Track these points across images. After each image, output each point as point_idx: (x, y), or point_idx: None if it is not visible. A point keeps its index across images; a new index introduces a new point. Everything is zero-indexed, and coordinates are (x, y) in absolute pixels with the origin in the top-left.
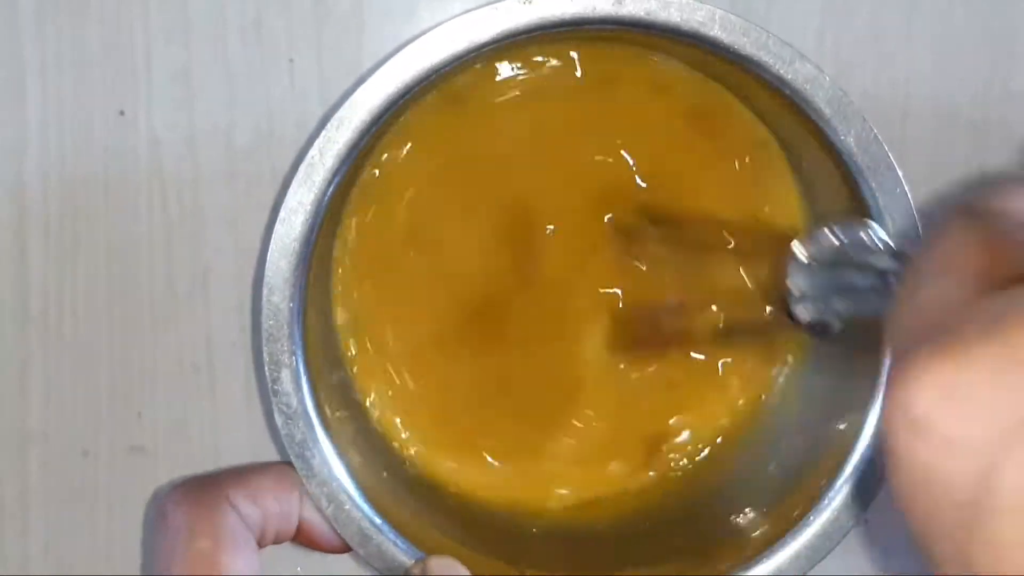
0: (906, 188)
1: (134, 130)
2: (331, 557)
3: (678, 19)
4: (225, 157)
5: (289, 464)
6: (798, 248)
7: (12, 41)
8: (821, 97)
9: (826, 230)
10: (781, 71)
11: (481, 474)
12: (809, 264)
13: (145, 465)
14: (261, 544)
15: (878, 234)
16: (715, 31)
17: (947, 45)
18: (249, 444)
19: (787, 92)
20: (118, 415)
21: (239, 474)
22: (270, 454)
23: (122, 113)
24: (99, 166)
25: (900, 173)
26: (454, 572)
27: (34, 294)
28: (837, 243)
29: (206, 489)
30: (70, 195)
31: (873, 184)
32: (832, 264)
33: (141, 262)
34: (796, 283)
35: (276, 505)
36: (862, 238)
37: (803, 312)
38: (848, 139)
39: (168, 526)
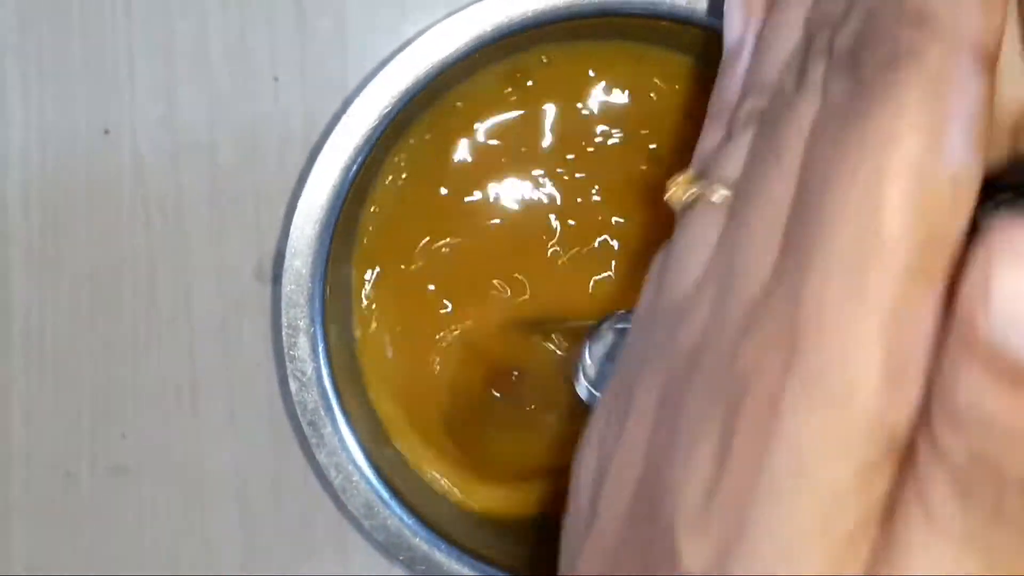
0: None
1: (117, 148)
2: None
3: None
4: (209, 175)
5: None
6: (586, 347)
7: None
8: None
9: (606, 324)
10: None
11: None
12: (588, 352)
13: (128, 485)
14: None
15: None
16: None
17: None
18: (233, 463)
19: None
20: (101, 436)
21: None
22: (254, 473)
23: (106, 132)
24: (82, 184)
25: None
26: None
27: (16, 313)
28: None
29: None
30: (52, 213)
31: None
32: (606, 351)
33: (124, 281)
34: (578, 372)
35: None
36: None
37: (585, 395)
38: None
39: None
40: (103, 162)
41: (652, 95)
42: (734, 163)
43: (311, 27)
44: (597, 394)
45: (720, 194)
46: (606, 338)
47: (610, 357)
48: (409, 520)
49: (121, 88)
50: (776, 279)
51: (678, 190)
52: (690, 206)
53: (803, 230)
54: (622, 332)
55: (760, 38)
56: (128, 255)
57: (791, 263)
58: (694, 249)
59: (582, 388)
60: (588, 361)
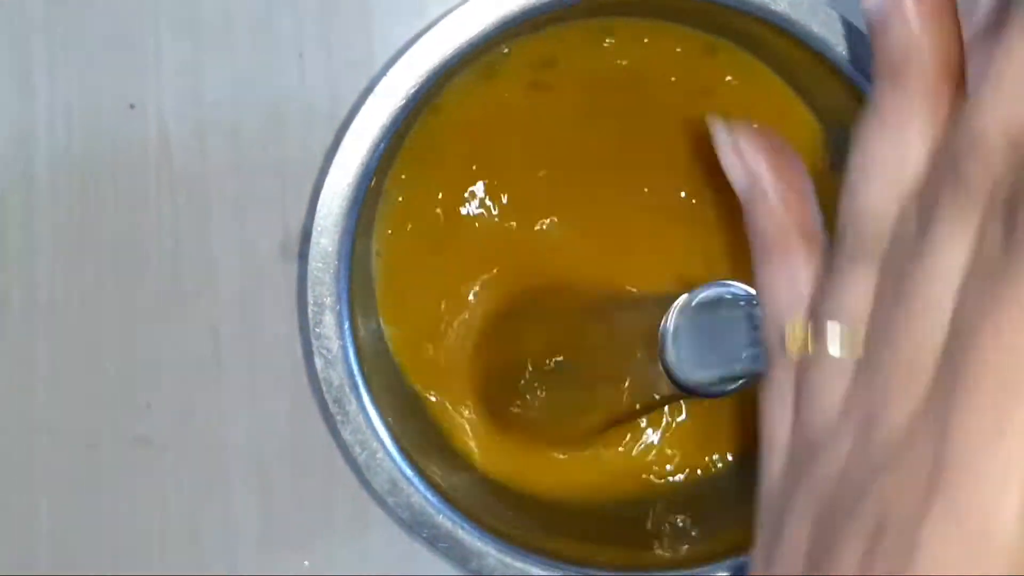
0: None
1: (143, 122)
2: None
3: None
4: (234, 150)
5: None
6: (666, 315)
7: (20, 33)
8: None
9: (686, 296)
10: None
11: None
12: (676, 324)
13: (151, 457)
14: None
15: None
16: None
17: None
18: (256, 438)
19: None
20: (124, 407)
21: None
22: (276, 448)
23: (132, 106)
24: (108, 158)
25: None
26: None
27: (42, 284)
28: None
29: None
30: (79, 186)
31: None
32: (699, 325)
33: (149, 253)
34: (667, 346)
35: None
36: (725, 296)
37: (676, 370)
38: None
39: None
40: (129, 137)
41: (677, 75)
42: (850, 303)
43: (336, 5)
44: (685, 367)
45: (847, 346)
46: (691, 311)
47: (699, 330)
48: (433, 498)
49: (147, 63)
50: (922, 419)
51: (794, 341)
52: (808, 352)
53: (953, 377)
54: (708, 306)
55: (858, 163)
56: (153, 229)
57: (939, 405)
58: (825, 392)
59: (671, 358)
60: (675, 333)
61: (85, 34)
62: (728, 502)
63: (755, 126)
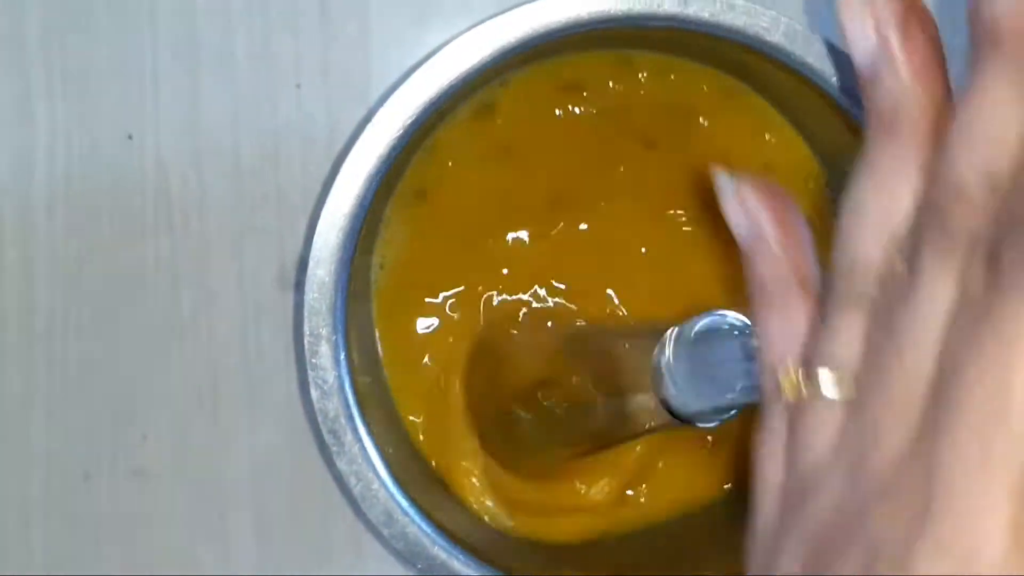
0: None
1: (141, 153)
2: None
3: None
4: (232, 181)
5: None
6: (661, 345)
7: (19, 62)
8: None
9: (683, 325)
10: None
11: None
12: (672, 356)
13: (147, 488)
14: None
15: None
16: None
17: None
18: (251, 468)
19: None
20: (120, 439)
21: None
22: (272, 479)
23: (130, 137)
24: (106, 188)
25: None
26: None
27: (39, 315)
28: (696, 331)
29: None
30: (77, 216)
31: None
32: (695, 356)
33: (146, 284)
34: (663, 377)
35: None
36: (721, 326)
37: (673, 400)
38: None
39: None
40: (127, 167)
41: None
42: (843, 350)
43: (334, 35)
44: (681, 398)
45: (838, 389)
46: (687, 342)
47: (695, 361)
48: (429, 529)
49: (145, 94)
50: (911, 454)
51: (789, 386)
52: (802, 395)
53: (940, 412)
54: (704, 337)
55: (850, 211)
56: (150, 259)
57: (927, 440)
58: (818, 432)
59: (667, 389)
60: (671, 364)
61: (83, 64)
62: (718, 535)
63: (754, 176)
